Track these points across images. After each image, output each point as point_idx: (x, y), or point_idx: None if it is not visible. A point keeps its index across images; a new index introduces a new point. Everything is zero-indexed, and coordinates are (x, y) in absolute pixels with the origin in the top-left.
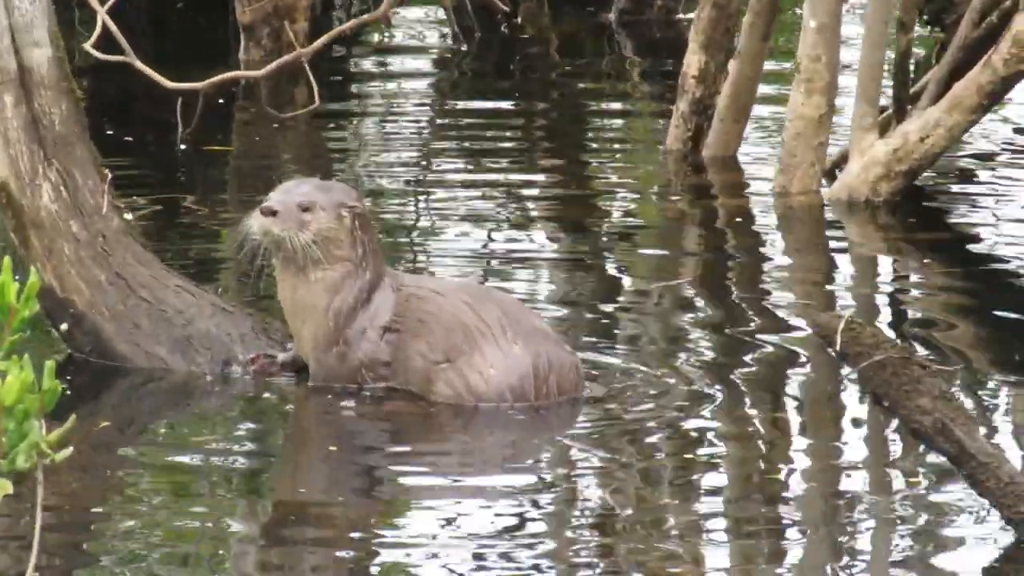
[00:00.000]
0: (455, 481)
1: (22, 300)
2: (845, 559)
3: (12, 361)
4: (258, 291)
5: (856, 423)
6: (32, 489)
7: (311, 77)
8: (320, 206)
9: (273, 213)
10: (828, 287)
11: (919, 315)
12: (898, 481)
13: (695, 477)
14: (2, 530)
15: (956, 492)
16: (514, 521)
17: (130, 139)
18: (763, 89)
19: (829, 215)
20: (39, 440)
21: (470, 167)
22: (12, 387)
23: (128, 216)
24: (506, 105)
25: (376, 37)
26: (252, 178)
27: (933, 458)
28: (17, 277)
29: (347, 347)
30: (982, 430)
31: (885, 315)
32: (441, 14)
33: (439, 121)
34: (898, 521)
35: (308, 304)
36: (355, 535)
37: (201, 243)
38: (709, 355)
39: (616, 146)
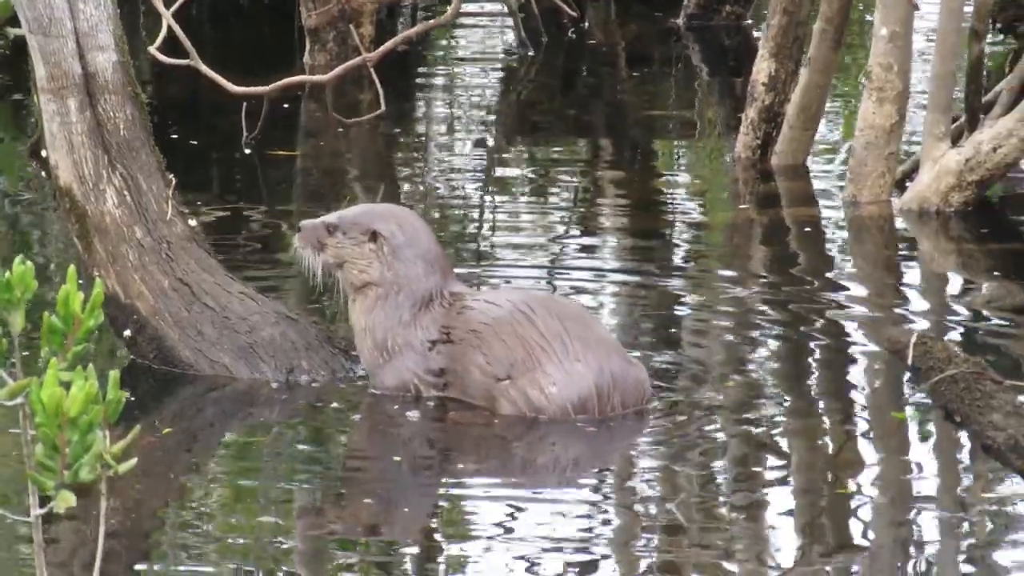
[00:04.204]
0: (517, 491)
1: (87, 310)
2: (913, 572)
3: (76, 372)
4: (323, 298)
5: (926, 437)
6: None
7: (377, 81)
8: (343, 229)
9: (298, 229)
10: (898, 298)
11: (991, 327)
12: (968, 495)
13: (762, 489)
14: (66, 539)
15: None
16: (576, 531)
17: (195, 143)
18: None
19: (899, 224)
20: (103, 452)
21: (536, 173)
22: (77, 398)
23: (192, 222)
24: (572, 111)
25: (442, 42)
26: (317, 183)
27: (1004, 473)
28: (80, 282)
29: (392, 361)
30: None
31: (956, 327)
32: (508, 19)
33: (504, 126)
34: (967, 536)
35: (352, 322)
36: (418, 544)
37: (265, 249)
38: (777, 366)
39: (684, 152)
